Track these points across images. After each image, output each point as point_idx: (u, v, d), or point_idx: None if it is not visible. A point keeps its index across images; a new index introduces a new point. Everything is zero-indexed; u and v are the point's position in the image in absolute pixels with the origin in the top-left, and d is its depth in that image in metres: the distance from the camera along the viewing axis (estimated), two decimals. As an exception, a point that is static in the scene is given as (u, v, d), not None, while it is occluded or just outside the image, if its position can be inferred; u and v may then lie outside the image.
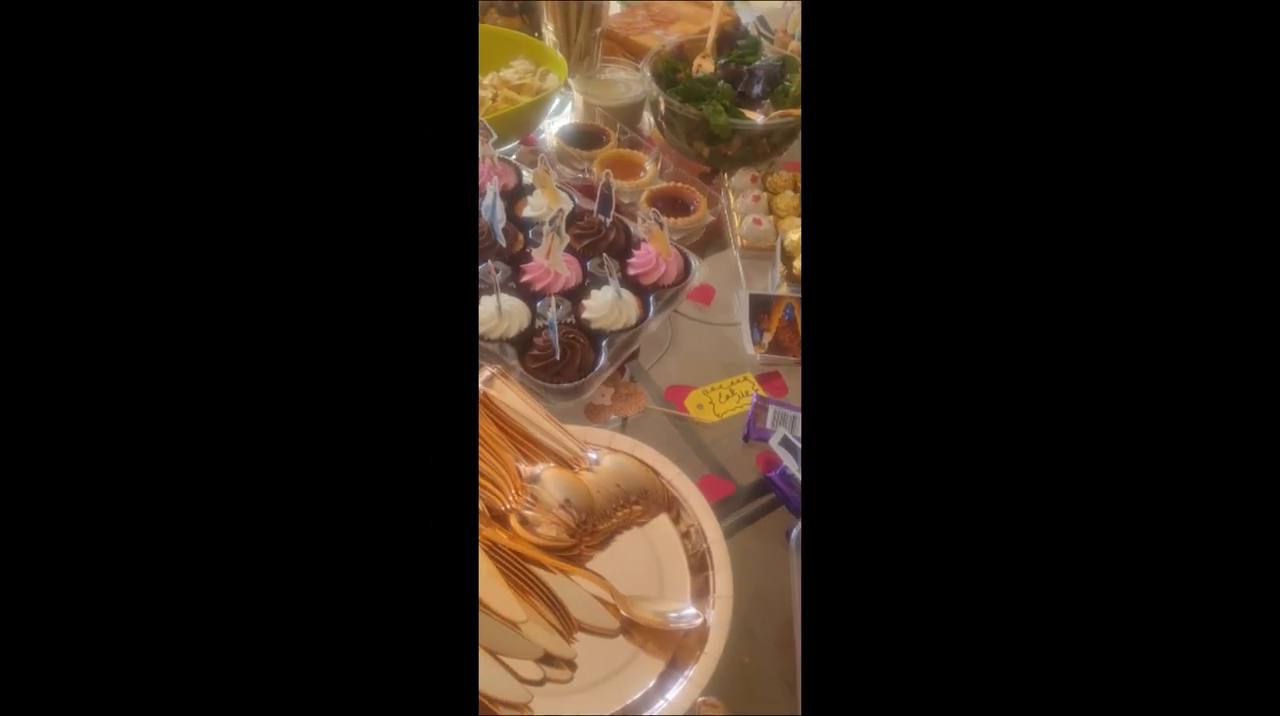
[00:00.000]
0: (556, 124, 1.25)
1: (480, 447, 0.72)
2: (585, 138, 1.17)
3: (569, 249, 0.92)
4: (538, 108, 1.12)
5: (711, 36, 1.26)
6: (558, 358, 0.80)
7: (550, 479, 0.72)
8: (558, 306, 0.86)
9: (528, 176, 1.06)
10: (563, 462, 0.74)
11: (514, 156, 1.17)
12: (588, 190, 1.08)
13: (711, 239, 1.09)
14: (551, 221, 0.87)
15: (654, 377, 0.90)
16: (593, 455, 0.75)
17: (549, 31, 1.29)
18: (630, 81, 1.28)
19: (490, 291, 0.85)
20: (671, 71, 1.19)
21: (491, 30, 1.28)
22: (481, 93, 1.15)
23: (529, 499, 0.70)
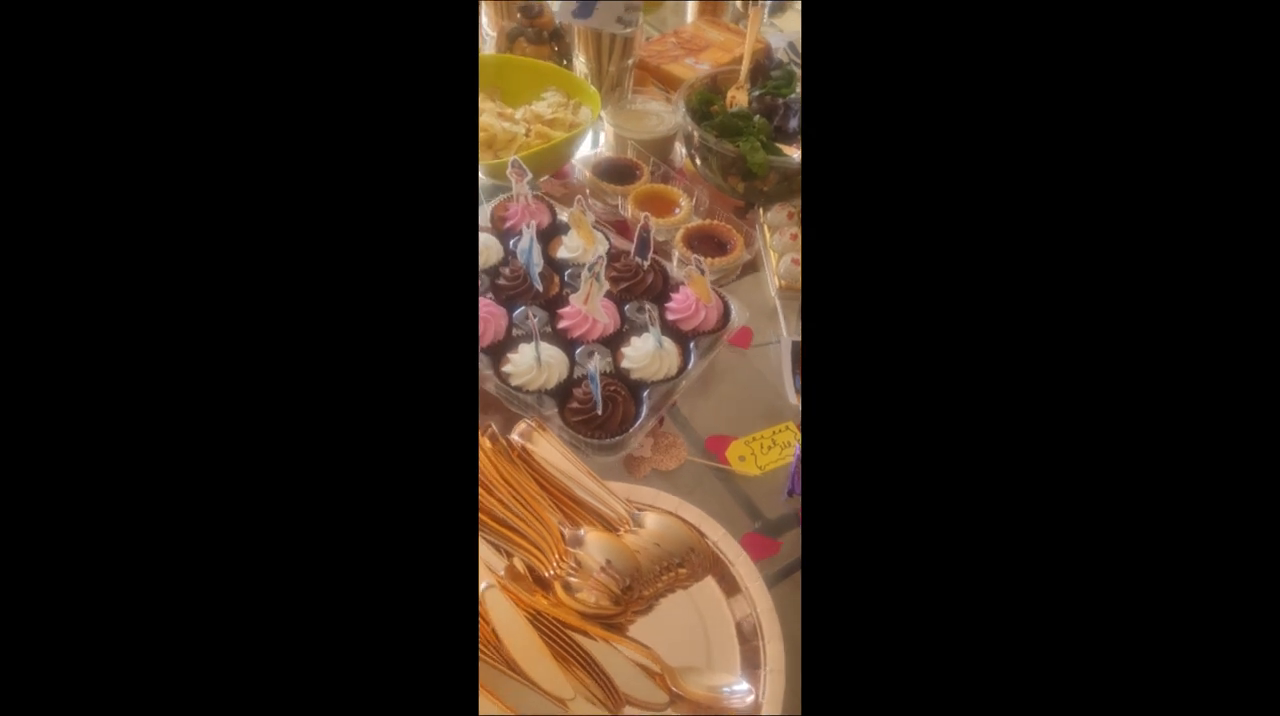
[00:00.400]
0: (583, 153, 1.23)
1: (522, 507, 0.70)
2: (618, 172, 1.15)
3: (605, 293, 0.90)
4: (572, 143, 1.11)
5: (745, 67, 1.24)
6: (599, 412, 0.78)
7: (593, 542, 0.69)
8: (598, 356, 0.84)
9: (561, 214, 1.04)
10: (608, 525, 0.72)
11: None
12: (622, 227, 1.06)
13: (744, 272, 1.07)
14: (591, 267, 0.85)
15: (694, 426, 0.88)
16: (635, 514, 0.73)
17: (580, 62, 1.28)
18: (663, 113, 1.26)
19: (529, 338, 0.83)
20: (705, 104, 1.17)
21: (521, 62, 1.26)
22: (513, 127, 1.14)
23: (573, 564, 0.68)
